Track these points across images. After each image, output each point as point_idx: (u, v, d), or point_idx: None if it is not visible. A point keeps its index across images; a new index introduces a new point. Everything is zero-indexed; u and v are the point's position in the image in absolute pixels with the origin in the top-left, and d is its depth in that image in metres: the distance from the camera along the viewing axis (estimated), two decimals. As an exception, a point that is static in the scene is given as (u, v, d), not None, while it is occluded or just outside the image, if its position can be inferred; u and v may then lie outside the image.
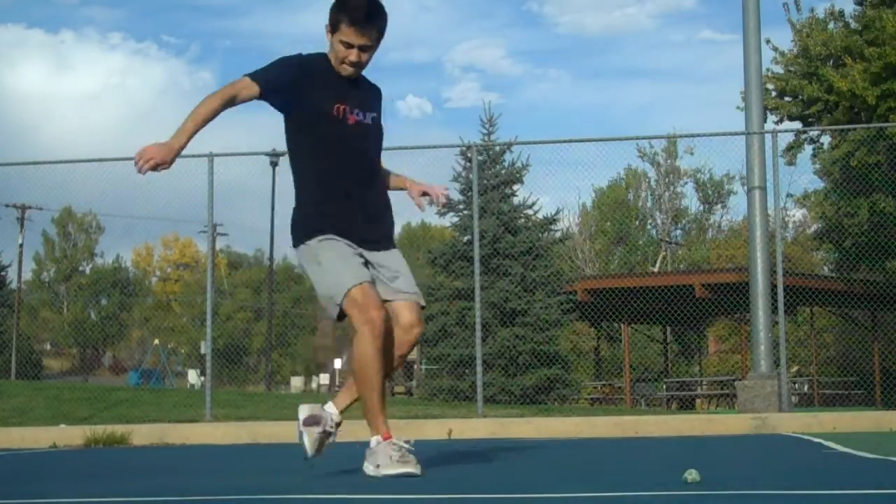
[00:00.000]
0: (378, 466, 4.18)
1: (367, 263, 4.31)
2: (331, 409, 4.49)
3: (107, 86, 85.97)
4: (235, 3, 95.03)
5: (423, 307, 4.42)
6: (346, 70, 4.33)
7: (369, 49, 4.33)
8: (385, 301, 4.29)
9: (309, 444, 4.39)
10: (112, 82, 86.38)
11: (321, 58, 4.38)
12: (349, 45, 4.29)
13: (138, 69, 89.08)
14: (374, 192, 4.43)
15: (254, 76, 4.21)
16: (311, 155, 4.34)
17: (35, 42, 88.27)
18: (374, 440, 4.26)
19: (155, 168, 4.00)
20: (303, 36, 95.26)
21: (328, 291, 4.22)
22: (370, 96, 4.47)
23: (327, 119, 4.29)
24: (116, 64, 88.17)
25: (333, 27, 4.30)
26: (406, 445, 4.25)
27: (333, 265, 4.23)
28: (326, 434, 4.44)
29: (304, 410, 4.46)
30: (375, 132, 4.45)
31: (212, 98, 4.16)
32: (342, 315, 4.22)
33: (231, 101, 4.18)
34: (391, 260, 4.41)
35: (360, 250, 4.32)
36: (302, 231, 4.34)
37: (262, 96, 4.22)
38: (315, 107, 4.29)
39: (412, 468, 4.13)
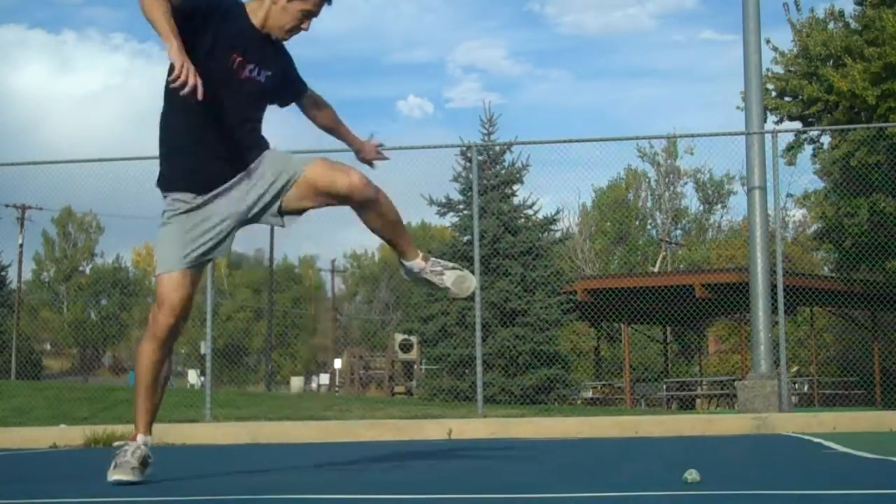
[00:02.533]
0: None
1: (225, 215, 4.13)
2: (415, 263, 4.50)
3: (108, 86, 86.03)
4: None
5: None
6: (286, 36, 4.16)
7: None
8: (303, 201, 4.14)
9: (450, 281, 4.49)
10: (114, 83, 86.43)
11: (238, 7, 4.12)
12: (310, 15, 4.14)
13: (140, 70, 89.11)
14: (236, 145, 4.13)
15: None
16: (177, 101, 3.98)
17: (37, 42, 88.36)
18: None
19: (195, 84, 3.74)
20: (304, 36, 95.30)
21: (157, 259, 4.23)
22: (273, 55, 4.20)
23: (217, 67, 4.00)
24: (118, 64, 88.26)
25: None
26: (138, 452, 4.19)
27: (167, 238, 4.17)
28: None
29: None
30: (264, 91, 4.18)
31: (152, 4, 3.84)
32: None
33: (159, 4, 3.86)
34: (263, 169, 4.15)
35: (214, 194, 4.11)
36: (164, 181, 4.22)
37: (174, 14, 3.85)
38: (209, 48, 3.99)
39: (124, 475, 4.08)
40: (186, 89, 3.71)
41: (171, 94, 4.01)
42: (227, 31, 4.05)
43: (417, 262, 4.46)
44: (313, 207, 4.19)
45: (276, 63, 4.22)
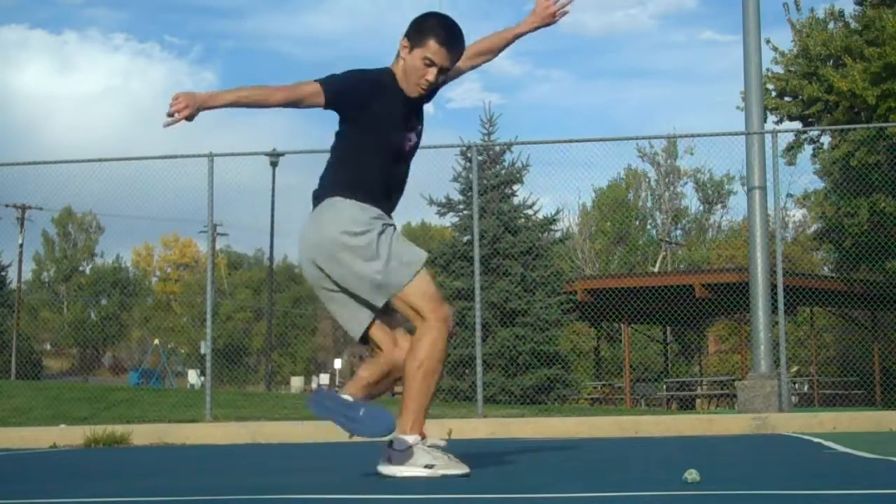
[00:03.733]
0: (428, 466, 4.05)
1: None
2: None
3: (109, 86, 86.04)
4: (239, 4, 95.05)
5: None
6: (418, 90, 4.18)
7: (446, 72, 4.22)
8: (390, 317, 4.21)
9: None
10: (115, 83, 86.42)
11: (388, 75, 4.20)
12: (431, 64, 4.14)
13: (141, 70, 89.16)
14: (399, 194, 4.36)
15: (325, 85, 4.03)
16: (365, 158, 4.16)
17: (38, 42, 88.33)
18: (410, 438, 4.09)
19: (174, 121, 3.86)
20: (306, 37, 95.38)
21: (393, 270, 4.05)
22: (421, 112, 4.35)
23: (387, 146, 4.17)
24: (119, 65, 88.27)
25: (417, 42, 4.13)
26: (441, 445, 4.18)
27: (398, 242, 4.12)
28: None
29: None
30: (417, 145, 4.36)
31: (274, 89, 3.98)
32: (365, 338, 4.14)
33: (295, 103, 4.03)
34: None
35: None
36: (353, 189, 4.12)
37: (325, 107, 4.07)
38: (379, 131, 4.15)
39: (462, 468, 4.12)
40: (168, 118, 3.85)
41: (370, 151, 4.16)
42: (388, 108, 4.15)
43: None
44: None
45: (422, 111, 4.36)
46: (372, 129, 4.14)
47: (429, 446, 4.11)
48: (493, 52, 4.71)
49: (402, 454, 4.06)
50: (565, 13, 4.64)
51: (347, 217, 4.07)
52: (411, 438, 4.08)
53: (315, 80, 4.06)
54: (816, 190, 23.57)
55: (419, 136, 4.33)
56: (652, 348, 35.70)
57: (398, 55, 4.21)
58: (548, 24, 4.66)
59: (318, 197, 4.17)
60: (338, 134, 4.23)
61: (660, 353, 33.42)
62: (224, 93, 3.97)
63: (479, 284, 11.46)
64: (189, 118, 3.87)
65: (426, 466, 4.05)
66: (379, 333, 4.18)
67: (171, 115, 3.84)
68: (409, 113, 4.23)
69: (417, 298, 4.08)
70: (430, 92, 4.26)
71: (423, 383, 4.11)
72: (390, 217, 4.24)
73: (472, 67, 4.65)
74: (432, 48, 4.13)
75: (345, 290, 4.10)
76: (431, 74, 4.15)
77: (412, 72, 4.16)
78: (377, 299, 4.08)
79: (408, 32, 4.19)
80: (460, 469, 4.10)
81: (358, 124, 4.15)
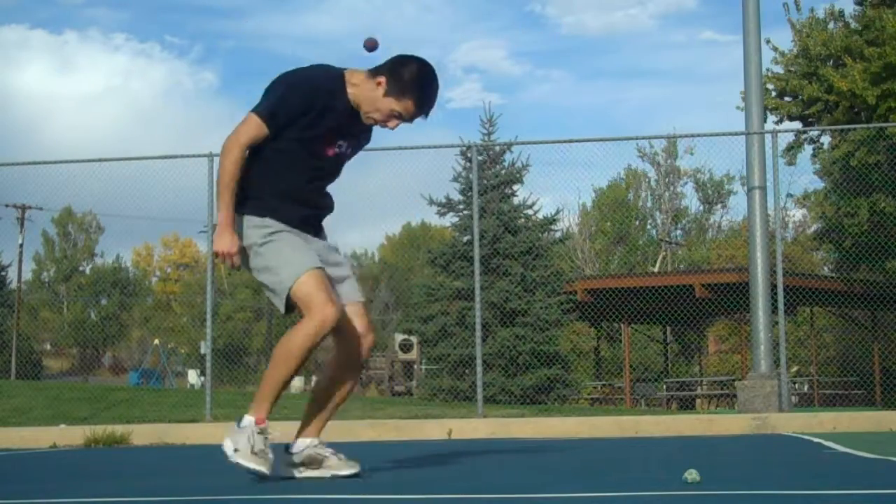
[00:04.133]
0: (236, 450, 4.07)
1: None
2: (307, 443, 4.38)
3: (109, 86, 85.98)
4: (239, 4, 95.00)
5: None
6: (370, 122, 4.21)
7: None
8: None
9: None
10: (115, 83, 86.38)
11: (338, 81, 4.17)
12: (399, 117, 4.15)
13: (141, 70, 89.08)
14: (324, 202, 4.36)
15: (261, 118, 4.09)
16: (282, 161, 4.18)
17: (38, 42, 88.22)
18: (246, 418, 4.12)
19: (235, 257, 4.07)
20: (306, 37, 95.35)
21: (278, 280, 4.09)
22: (363, 131, 4.32)
23: (312, 150, 4.18)
24: (119, 65, 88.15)
25: (396, 92, 4.09)
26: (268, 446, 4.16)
27: (282, 250, 4.11)
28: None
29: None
30: (350, 154, 4.34)
31: (228, 157, 4.08)
32: (291, 306, 4.10)
33: (243, 148, 4.11)
34: (337, 260, 4.35)
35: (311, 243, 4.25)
36: (259, 207, 4.17)
37: (272, 134, 4.12)
38: (308, 134, 4.15)
39: (264, 467, 4.06)
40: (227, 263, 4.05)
41: (290, 155, 4.18)
42: (328, 114, 4.13)
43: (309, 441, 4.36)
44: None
45: (362, 133, 4.34)
46: (301, 130, 4.13)
47: (260, 432, 4.13)
48: None
49: (235, 430, 4.13)
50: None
51: (246, 234, 4.16)
52: (246, 419, 4.11)
53: (252, 112, 4.10)
54: (816, 190, 23.57)
55: (355, 146, 4.31)
56: (652, 348, 35.69)
57: (368, 74, 4.15)
58: None
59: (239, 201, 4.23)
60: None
61: (660, 353, 33.42)
62: (221, 203, 4.11)
63: (479, 284, 11.46)
64: (237, 246, 4.09)
65: (235, 450, 4.07)
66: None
67: (226, 266, 4.09)
68: (348, 124, 4.21)
69: (301, 306, 4.09)
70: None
71: (273, 368, 4.13)
72: (305, 219, 4.24)
73: None
74: (407, 107, 4.13)
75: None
76: (394, 124, 4.17)
77: (373, 110, 4.15)
78: (279, 305, 4.14)
79: (389, 72, 4.12)
80: (256, 465, 4.06)
81: (291, 125, 4.14)
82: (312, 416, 4.39)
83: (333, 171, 4.31)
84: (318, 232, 4.33)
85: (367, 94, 4.14)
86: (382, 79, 4.11)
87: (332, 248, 4.38)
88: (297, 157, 4.17)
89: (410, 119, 4.17)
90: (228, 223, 4.07)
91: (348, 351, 4.28)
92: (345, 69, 4.22)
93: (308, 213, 4.26)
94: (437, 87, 4.19)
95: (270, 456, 4.10)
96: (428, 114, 4.21)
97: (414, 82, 4.10)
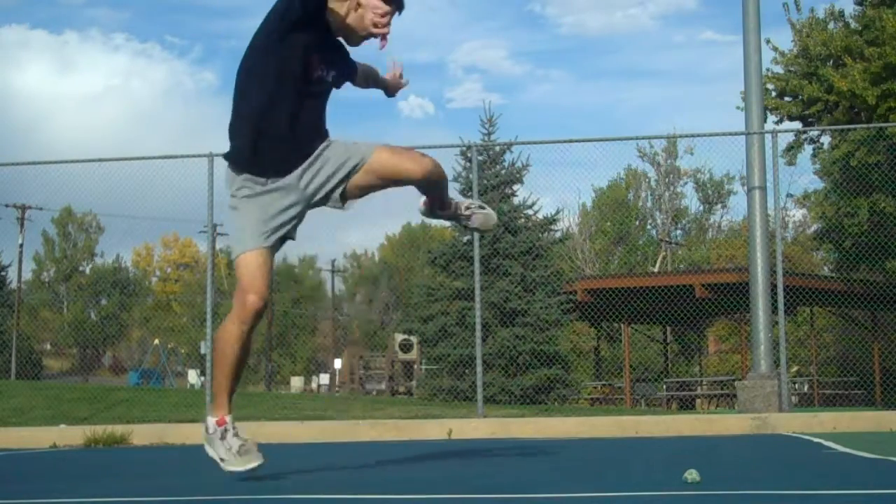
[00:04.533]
0: (223, 460, 4.13)
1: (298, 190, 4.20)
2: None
3: (109, 86, 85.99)
4: (240, 4, 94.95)
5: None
6: (358, 39, 4.20)
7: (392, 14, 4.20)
8: (369, 185, 4.27)
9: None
10: (115, 83, 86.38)
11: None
12: (383, 14, 4.15)
13: (141, 70, 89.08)
14: (304, 133, 4.23)
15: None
16: (266, 83, 4.11)
17: (39, 43, 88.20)
18: (209, 421, 4.19)
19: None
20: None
21: (233, 241, 4.21)
22: (341, 52, 4.31)
23: (296, 69, 4.10)
24: (120, 65, 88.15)
25: None
26: (243, 437, 4.20)
27: (240, 220, 4.16)
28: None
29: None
30: (330, 88, 4.29)
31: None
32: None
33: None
34: (328, 156, 4.25)
35: (292, 175, 4.20)
36: (234, 161, 4.20)
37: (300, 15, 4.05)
38: (291, 51, 4.06)
39: (255, 461, 4.08)
40: None
41: (260, 72, 4.11)
42: (310, 35, 4.09)
43: (449, 212, 4.68)
44: (378, 189, 4.33)
45: (342, 60, 4.33)
46: (284, 48, 4.05)
47: (228, 433, 4.18)
48: (363, 83, 4.63)
49: (208, 438, 4.24)
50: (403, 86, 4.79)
51: (227, 188, 4.24)
52: (210, 424, 4.22)
53: None
54: (816, 190, 23.53)
55: (334, 78, 4.25)
56: (652, 348, 35.69)
57: None
58: (391, 94, 4.79)
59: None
60: (251, 52, 4.16)
61: (660, 353, 33.42)
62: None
63: (479, 284, 11.46)
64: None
65: (222, 460, 4.15)
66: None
67: None
68: (329, 48, 4.18)
69: (237, 277, 4.18)
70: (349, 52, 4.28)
71: (215, 361, 4.24)
72: (285, 167, 4.18)
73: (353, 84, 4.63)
74: None
75: None
76: (387, 22, 4.15)
77: (362, 19, 4.13)
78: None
79: None
80: (250, 462, 4.10)
81: (273, 41, 4.06)
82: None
83: (318, 97, 4.23)
84: (304, 158, 4.22)
85: (350, 16, 4.14)
86: None
87: (319, 159, 4.25)
88: (282, 83, 4.08)
89: (391, 11, 4.16)
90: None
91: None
92: None
93: (289, 150, 4.18)
94: None
95: (252, 444, 4.16)
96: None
97: None
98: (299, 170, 4.20)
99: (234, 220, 4.20)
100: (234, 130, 4.21)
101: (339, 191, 4.24)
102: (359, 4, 4.14)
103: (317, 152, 4.22)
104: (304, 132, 4.19)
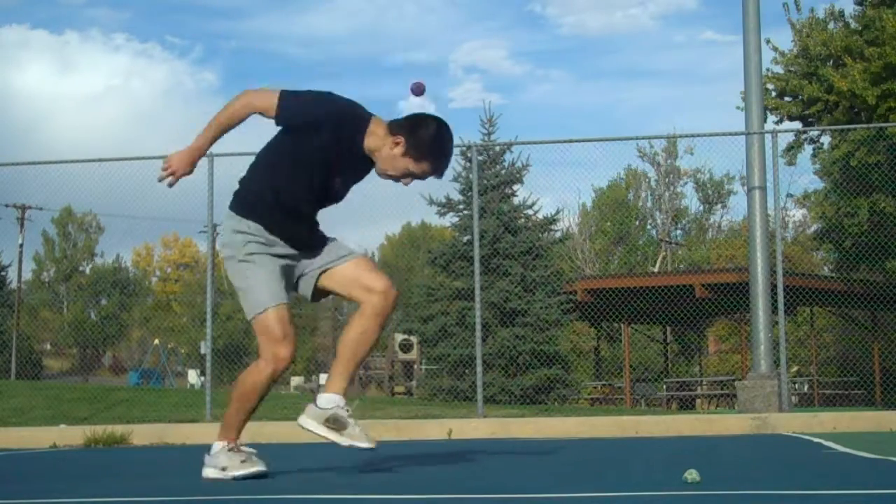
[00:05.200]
0: (224, 469, 4.23)
1: (294, 267, 4.32)
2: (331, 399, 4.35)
3: (110, 86, 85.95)
4: (240, 5, 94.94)
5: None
6: (383, 177, 4.25)
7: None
8: (336, 285, 4.31)
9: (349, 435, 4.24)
10: (115, 83, 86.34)
11: (363, 123, 4.18)
12: (414, 177, 4.20)
13: (142, 70, 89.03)
14: (310, 224, 4.39)
15: (280, 102, 4.11)
16: (284, 174, 4.23)
17: (39, 43, 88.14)
18: (216, 445, 4.32)
19: (177, 179, 4.16)
20: (306, 37, 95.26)
21: (246, 303, 4.23)
22: (365, 168, 4.34)
23: (323, 172, 4.21)
24: (120, 65, 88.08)
25: (413, 153, 4.11)
26: (250, 450, 4.32)
27: (256, 275, 4.20)
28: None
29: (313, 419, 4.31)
30: (344, 190, 4.38)
31: (241, 106, 4.14)
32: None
33: (253, 111, 4.16)
34: (332, 248, 4.36)
35: (295, 253, 4.31)
36: (247, 206, 4.28)
37: (276, 123, 4.16)
38: (324, 156, 4.17)
39: (258, 466, 4.22)
40: (164, 181, 4.18)
41: (293, 150, 4.21)
42: (341, 142, 4.15)
43: (334, 397, 4.30)
44: (337, 294, 4.37)
45: (362, 173, 4.36)
46: (310, 152, 4.16)
47: (235, 449, 4.30)
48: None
49: (209, 458, 4.35)
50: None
51: (228, 239, 4.28)
52: (216, 446, 4.33)
53: (280, 91, 4.13)
54: (816, 190, 23.54)
55: (350, 182, 4.34)
56: (652, 348, 35.69)
57: (388, 130, 4.16)
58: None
59: (234, 194, 4.37)
60: (274, 140, 4.28)
61: (660, 353, 33.41)
62: (205, 133, 4.20)
63: (479, 284, 11.46)
64: (188, 173, 4.21)
65: (223, 469, 4.24)
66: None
67: (163, 178, 4.17)
68: (353, 164, 4.25)
69: (258, 335, 4.23)
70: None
71: (233, 404, 4.35)
72: (289, 239, 4.27)
73: None
74: (424, 169, 4.18)
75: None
76: (408, 181, 4.21)
77: (390, 168, 4.18)
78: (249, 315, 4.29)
79: (408, 133, 4.13)
80: (253, 467, 4.24)
81: (298, 141, 4.18)
82: (335, 368, 4.39)
83: (330, 198, 4.34)
84: (303, 242, 4.34)
85: (385, 152, 4.16)
86: (401, 139, 4.13)
87: (314, 249, 4.36)
88: (307, 173, 4.20)
89: (423, 176, 4.22)
90: (196, 148, 4.19)
91: (369, 305, 4.27)
92: (373, 115, 4.24)
93: (293, 227, 4.28)
94: (452, 147, 4.25)
95: (255, 455, 4.29)
96: (443, 174, 4.28)
97: (432, 145, 4.14)
98: (303, 252, 4.32)
99: (247, 275, 4.22)
100: (254, 180, 4.32)
101: (315, 279, 4.33)
102: (395, 145, 4.15)
103: (316, 244, 4.36)
104: (309, 226, 4.35)
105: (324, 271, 4.32)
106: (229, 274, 4.27)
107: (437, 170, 4.21)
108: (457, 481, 4.15)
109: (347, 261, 4.31)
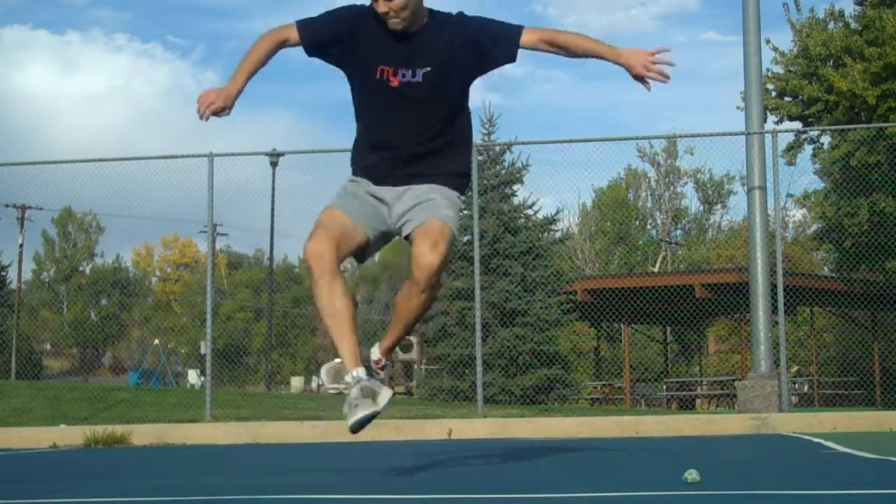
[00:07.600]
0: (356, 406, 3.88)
1: (382, 201, 4.22)
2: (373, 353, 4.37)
3: (112, 87, 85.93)
4: (242, 5, 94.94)
5: (446, 233, 4.06)
6: (390, 24, 4.01)
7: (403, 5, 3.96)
8: (407, 236, 4.15)
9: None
10: (117, 83, 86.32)
11: (372, 10, 4.03)
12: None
13: (144, 70, 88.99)
14: (420, 146, 4.19)
15: (300, 25, 4.10)
16: (357, 110, 4.27)
17: (41, 43, 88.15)
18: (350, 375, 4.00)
19: (216, 113, 4.03)
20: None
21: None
22: (426, 49, 4.07)
23: (370, 82, 4.11)
24: (122, 65, 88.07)
25: None
26: (369, 378, 3.99)
27: (344, 188, 4.28)
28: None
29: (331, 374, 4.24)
30: (429, 88, 4.10)
31: (263, 39, 4.12)
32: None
33: (282, 44, 4.13)
34: (420, 192, 4.19)
35: (383, 187, 4.22)
36: (351, 162, 4.38)
37: (305, 49, 4.11)
38: (358, 68, 4.13)
39: (371, 408, 3.84)
40: (201, 117, 4.07)
41: (360, 98, 4.22)
42: (365, 47, 4.09)
43: (376, 357, 4.30)
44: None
45: (433, 51, 4.09)
46: (349, 66, 4.17)
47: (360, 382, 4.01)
48: (571, 53, 4.21)
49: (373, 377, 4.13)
50: (661, 78, 4.05)
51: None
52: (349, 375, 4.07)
53: (295, 21, 4.12)
54: (816, 190, 23.52)
55: (427, 76, 4.08)
56: (652, 348, 35.69)
57: None
58: (637, 78, 4.06)
59: None
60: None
61: (660, 353, 33.42)
62: (239, 69, 4.13)
63: (479, 284, 11.45)
64: (223, 107, 4.05)
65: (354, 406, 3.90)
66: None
67: (204, 117, 4.06)
68: (396, 47, 4.06)
69: None
70: (428, 24, 4.08)
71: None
72: (390, 169, 4.19)
73: (540, 50, 4.24)
74: None
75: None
76: (380, 5, 3.95)
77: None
78: None
79: None
80: (364, 411, 3.86)
81: (342, 67, 4.20)
82: (388, 328, 4.38)
83: (409, 103, 4.12)
84: (394, 173, 4.21)
85: None
86: None
87: (402, 192, 4.22)
88: (365, 96, 4.19)
89: None
90: (232, 85, 4.09)
91: (412, 271, 4.16)
92: None
93: (376, 160, 4.22)
94: None
95: (373, 389, 3.93)
96: None
97: None
98: (402, 188, 4.21)
99: (337, 192, 4.28)
100: (356, 142, 4.34)
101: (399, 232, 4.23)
102: None
103: (414, 187, 4.20)
104: (408, 139, 4.17)
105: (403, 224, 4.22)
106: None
107: None
108: (457, 481, 4.15)
109: (416, 224, 4.11)
